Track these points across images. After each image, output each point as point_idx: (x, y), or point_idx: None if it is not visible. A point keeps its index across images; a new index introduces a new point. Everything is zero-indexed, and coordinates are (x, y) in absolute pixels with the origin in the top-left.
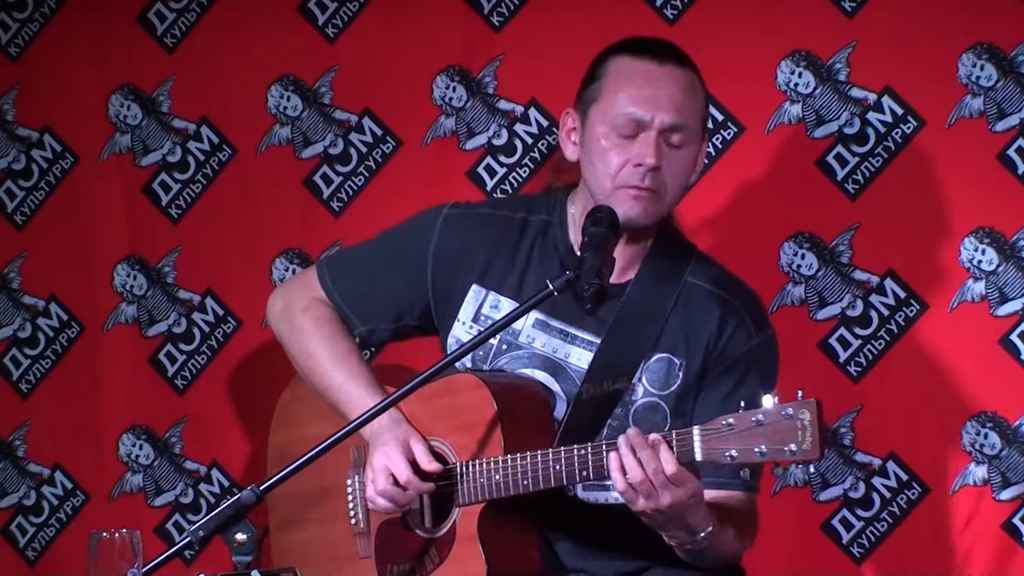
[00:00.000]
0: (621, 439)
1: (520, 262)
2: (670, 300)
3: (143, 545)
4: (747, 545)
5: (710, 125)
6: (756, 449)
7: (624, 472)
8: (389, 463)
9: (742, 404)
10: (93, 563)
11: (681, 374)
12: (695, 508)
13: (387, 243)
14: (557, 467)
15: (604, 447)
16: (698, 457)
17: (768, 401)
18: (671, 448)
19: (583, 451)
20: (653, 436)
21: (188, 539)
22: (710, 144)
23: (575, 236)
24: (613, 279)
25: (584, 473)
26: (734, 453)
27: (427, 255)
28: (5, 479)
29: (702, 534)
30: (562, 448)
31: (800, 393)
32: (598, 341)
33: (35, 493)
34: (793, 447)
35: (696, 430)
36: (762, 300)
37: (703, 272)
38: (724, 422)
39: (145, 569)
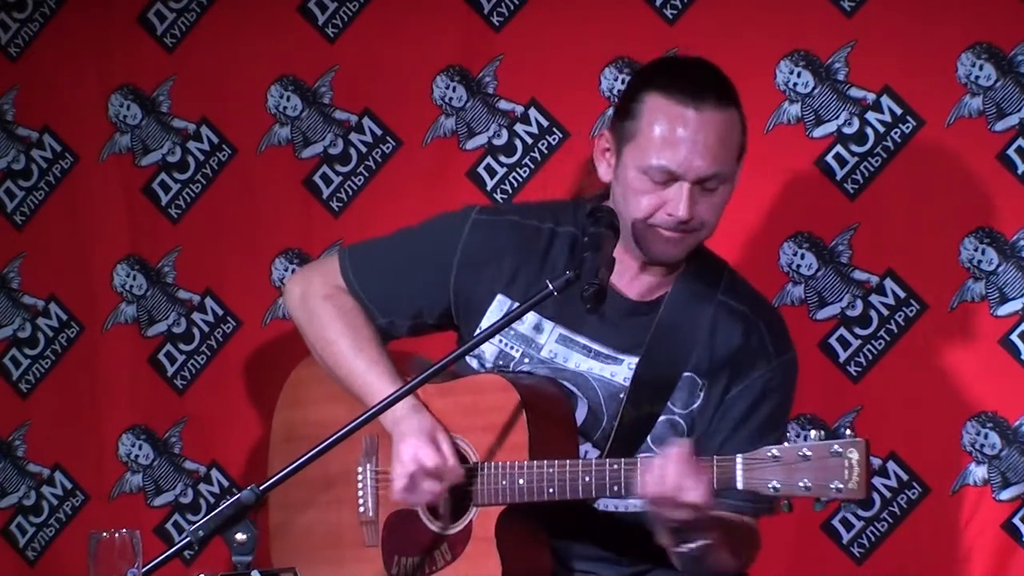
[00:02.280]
0: (674, 452)
1: (547, 274)
2: (704, 320)
3: (143, 545)
4: (745, 565)
5: None
6: (801, 483)
7: (660, 481)
8: (418, 453)
9: (788, 437)
10: (93, 563)
11: (702, 394)
12: (700, 522)
13: (413, 240)
14: (587, 479)
15: (640, 463)
16: (739, 486)
17: (815, 436)
18: (712, 480)
19: (615, 466)
20: (702, 463)
21: (188, 539)
22: None
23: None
24: (645, 296)
25: (615, 488)
26: (777, 485)
27: (453, 258)
28: (5, 479)
29: (695, 544)
30: (592, 460)
31: (849, 432)
32: (623, 357)
33: (35, 493)
34: (839, 485)
35: (739, 459)
36: (784, 323)
37: (734, 291)
38: (770, 453)
39: (145, 569)
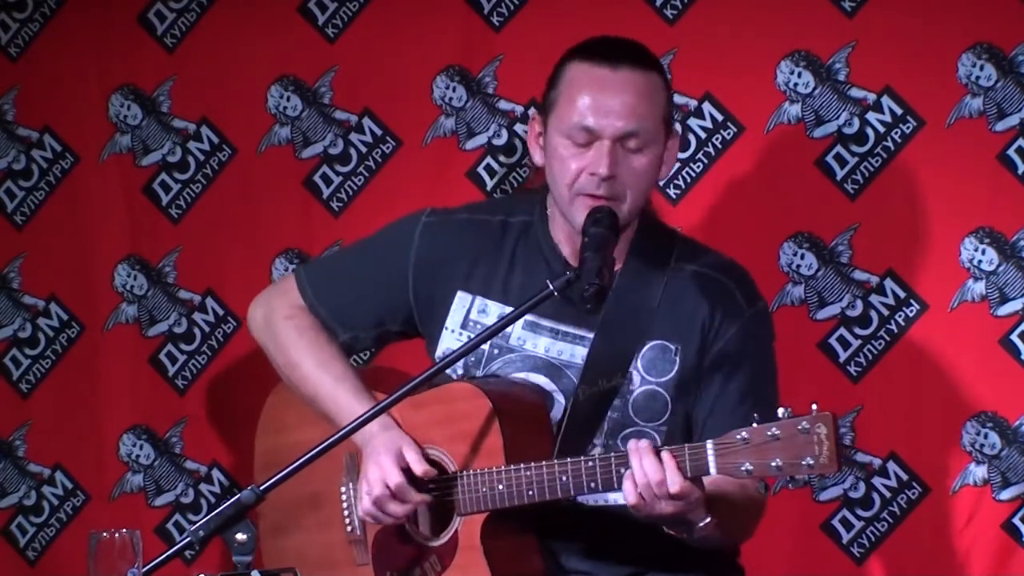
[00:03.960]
0: (631, 449)
1: (503, 264)
2: (658, 289)
3: (143, 545)
4: (746, 533)
5: (708, 124)
6: (773, 463)
7: (635, 484)
8: (383, 473)
9: (756, 417)
10: (93, 563)
11: (678, 359)
12: (695, 510)
13: (367, 250)
14: (564, 478)
15: (613, 459)
16: (713, 472)
17: (782, 414)
18: (679, 467)
19: (591, 463)
20: (664, 454)
21: (188, 539)
22: (709, 144)
23: (557, 234)
24: None
25: (592, 485)
26: (750, 467)
27: (407, 264)
28: (5, 479)
29: (700, 524)
30: (568, 460)
31: (815, 406)
32: (588, 335)
33: (35, 493)
34: (810, 460)
35: (710, 444)
36: (749, 275)
37: (688, 255)
38: (739, 436)
39: (145, 569)
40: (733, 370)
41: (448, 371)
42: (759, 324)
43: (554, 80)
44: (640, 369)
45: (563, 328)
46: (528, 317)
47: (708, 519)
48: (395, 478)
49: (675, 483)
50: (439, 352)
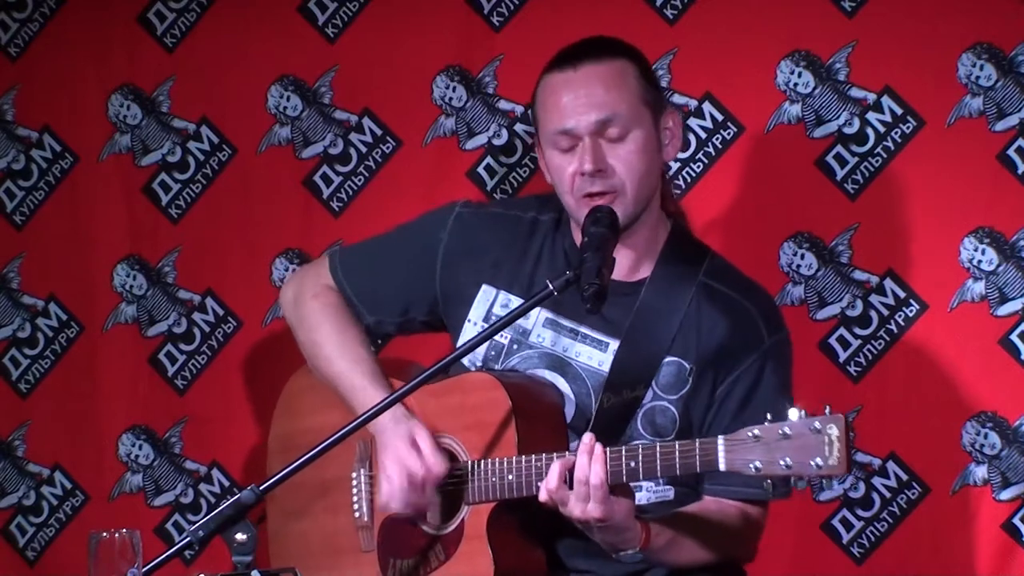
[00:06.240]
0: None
1: (530, 261)
2: (684, 302)
3: (143, 545)
4: (732, 555)
5: (708, 124)
6: (781, 461)
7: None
8: (401, 462)
9: (768, 416)
10: (93, 563)
11: (691, 379)
12: (616, 531)
13: (400, 237)
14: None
15: (624, 452)
16: (722, 467)
17: (795, 414)
18: (604, 464)
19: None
20: (598, 449)
21: (188, 539)
22: (709, 144)
23: (576, 235)
24: (626, 277)
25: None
26: (759, 464)
27: (437, 253)
28: (5, 479)
29: (628, 551)
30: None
31: (828, 408)
32: (608, 340)
33: (35, 493)
34: (819, 461)
35: (721, 440)
36: (775, 303)
37: (717, 273)
38: (750, 433)
39: (145, 569)
40: (747, 398)
41: (467, 363)
42: (778, 354)
43: (533, 99)
44: (655, 384)
45: (583, 330)
46: (548, 315)
47: (635, 550)
48: (417, 467)
49: (597, 475)
50: (459, 344)
